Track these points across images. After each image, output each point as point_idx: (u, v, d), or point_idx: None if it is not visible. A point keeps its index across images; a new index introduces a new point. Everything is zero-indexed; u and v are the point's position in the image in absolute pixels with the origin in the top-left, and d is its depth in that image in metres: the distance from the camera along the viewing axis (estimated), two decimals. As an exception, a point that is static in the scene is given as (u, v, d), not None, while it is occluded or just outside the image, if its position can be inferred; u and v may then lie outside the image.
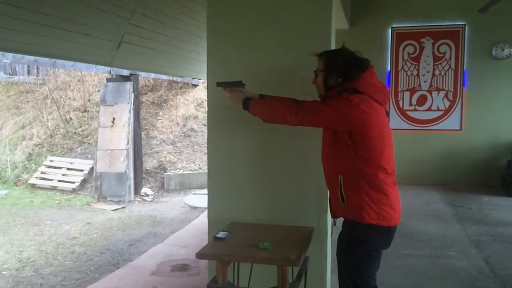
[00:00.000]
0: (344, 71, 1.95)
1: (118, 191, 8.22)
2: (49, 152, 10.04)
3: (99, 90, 10.07)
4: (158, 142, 10.03)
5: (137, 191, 8.55)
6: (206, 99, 2.67)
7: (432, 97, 6.80)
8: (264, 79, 2.43)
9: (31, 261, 5.15)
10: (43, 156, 9.93)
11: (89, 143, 10.02)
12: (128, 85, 8.61)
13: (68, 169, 9.30)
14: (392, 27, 6.88)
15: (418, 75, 6.83)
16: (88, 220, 6.89)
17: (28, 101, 11.36)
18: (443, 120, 6.79)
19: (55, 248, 5.58)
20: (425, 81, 6.82)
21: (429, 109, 6.82)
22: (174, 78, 10.33)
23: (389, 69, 6.92)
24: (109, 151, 8.49)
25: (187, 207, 7.67)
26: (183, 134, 10.31)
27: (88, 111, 10.92)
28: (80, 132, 10.42)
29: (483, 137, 6.65)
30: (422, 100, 6.84)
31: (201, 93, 11.18)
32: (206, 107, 2.69)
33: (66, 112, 10.92)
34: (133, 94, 8.64)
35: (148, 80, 11.43)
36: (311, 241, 2.14)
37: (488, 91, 6.60)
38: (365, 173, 1.91)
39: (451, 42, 6.68)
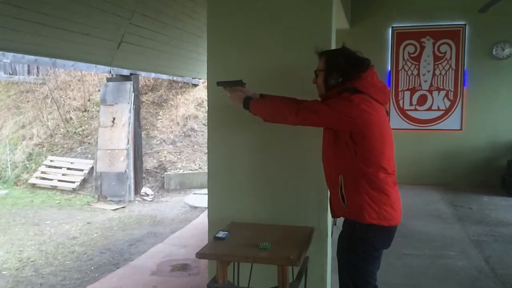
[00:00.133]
0: (344, 71, 1.95)
1: (118, 191, 8.22)
2: (49, 151, 10.04)
3: (99, 90, 10.07)
4: (158, 142, 10.04)
5: (137, 191, 8.55)
6: (206, 98, 2.67)
7: (432, 97, 6.80)
8: (264, 79, 2.43)
9: (31, 261, 5.15)
10: (43, 155, 9.94)
11: (89, 143, 10.02)
12: (128, 85, 8.61)
13: (68, 168, 9.30)
14: (392, 27, 6.87)
15: (418, 74, 6.83)
16: (88, 220, 6.89)
17: (28, 101, 11.36)
18: (444, 120, 6.78)
19: (55, 248, 5.58)
20: (425, 81, 6.82)
21: (429, 109, 6.82)
22: (174, 78, 10.33)
23: (389, 68, 6.92)
24: (109, 151, 8.49)
25: (187, 207, 7.67)
26: (183, 134, 10.32)
27: (88, 110, 10.92)
28: (80, 132, 10.42)
29: (483, 137, 6.65)
30: (422, 100, 6.83)
31: (201, 93, 11.18)
32: (206, 107, 2.69)
33: (66, 111, 10.92)
34: (133, 93, 8.64)
35: (148, 80, 11.43)
36: (311, 241, 2.13)
37: (489, 91, 6.60)
38: (365, 173, 1.91)
39: (452, 41, 6.68)
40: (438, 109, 6.79)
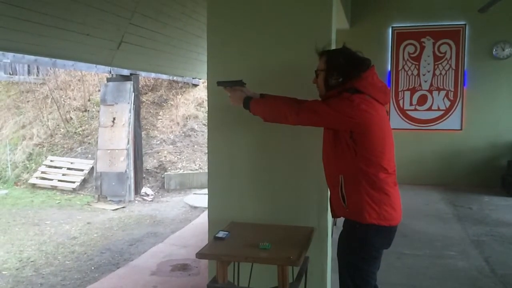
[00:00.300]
0: (345, 71, 1.94)
1: (118, 191, 8.22)
2: (50, 152, 10.05)
3: (99, 90, 10.07)
4: (158, 142, 10.04)
5: (137, 191, 8.55)
6: (207, 99, 2.67)
7: (432, 97, 6.80)
8: (264, 79, 2.43)
9: (31, 261, 5.15)
10: (44, 155, 9.94)
11: (89, 143, 10.02)
12: (129, 85, 8.61)
13: (69, 168, 9.30)
14: (392, 27, 6.87)
15: (418, 74, 6.83)
16: (88, 220, 6.89)
17: (28, 101, 11.36)
18: (444, 120, 6.78)
19: (55, 248, 5.58)
20: (425, 81, 6.82)
21: (429, 109, 6.82)
22: (174, 78, 10.33)
23: (389, 69, 6.92)
24: (109, 151, 8.49)
25: (187, 207, 7.67)
26: (183, 134, 10.32)
27: (88, 110, 10.92)
28: (80, 132, 10.42)
29: (483, 137, 6.65)
30: (422, 100, 6.83)
31: (201, 93, 11.18)
32: (207, 107, 2.69)
33: (67, 111, 10.92)
34: (133, 93, 8.64)
35: (149, 80, 11.43)
36: (311, 241, 2.13)
37: (489, 91, 6.60)
38: (365, 173, 1.91)
39: (452, 41, 6.68)
40: (438, 109, 6.79)
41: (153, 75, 9.64)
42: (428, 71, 6.80)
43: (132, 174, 8.42)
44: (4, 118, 11.05)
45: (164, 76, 9.87)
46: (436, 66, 6.76)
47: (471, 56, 6.64)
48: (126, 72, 8.43)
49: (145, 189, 8.72)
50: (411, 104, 6.88)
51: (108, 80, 8.92)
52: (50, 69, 11.24)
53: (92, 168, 9.01)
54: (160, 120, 10.65)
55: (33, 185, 9.16)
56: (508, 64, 6.52)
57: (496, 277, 3.37)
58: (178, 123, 10.53)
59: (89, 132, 10.32)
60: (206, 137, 2.76)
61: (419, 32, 6.77)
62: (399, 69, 6.90)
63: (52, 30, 4.80)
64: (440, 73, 6.76)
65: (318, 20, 2.38)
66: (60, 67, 7.98)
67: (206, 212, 3.23)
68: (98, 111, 9.52)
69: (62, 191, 8.86)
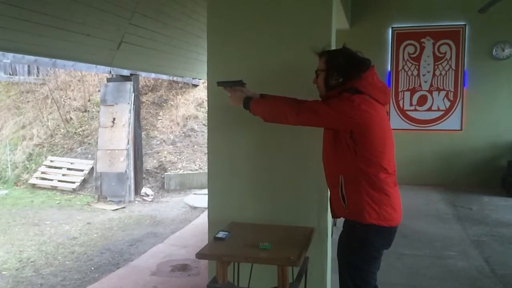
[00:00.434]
0: (345, 71, 1.94)
1: (118, 191, 8.22)
2: (49, 152, 10.04)
3: (99, 90, 10.07)
4: (158, 142, 10.04)
5: (137, 191, 8.55)
6: (206, 99, 2.67)
7: (432, 97, 6.80)
8: (264, 79, 2.43)
9: (31, 261, 5.15)
10: (43, 156, 9.94)
11: (89, 143, 10.02)
12: (129, 85, 8.61)
13: (68, 169, 9.30)
14: (392, 27, 6.87)
15: (418, 75, 6.83)
16: (88, 220, 6.89)
17: (28, 101, 11.36)
18: (444, 120, 6.78)
19: (55, 248, 5.58)
20: (425, 81, 6.82)
21: (429, 109, 6.82)
22: (174, 78, 10.33)
23: (389, 69, 6.92)
24: (109, 151, 8.49)
25: (187, 207, 7.67)
26: (183, 134, 10.32)
27: (88, 111, 10.92)
28: (80, 132, 10.42)
29: (483, 137, 6.65)
30: (422, 100, 6.83)
31: (201, 93, 11.18)
32: (206, 107, 2.69)
33: (67, 112, 10.92)
34: (133, 94, 8.64)
35: (149, 80, 11.43)
36: (311, 241, 2.13)
37: (489, 91, 6.60)
38: (366, 173, 1.91)
39: (452, 42, 6.68)
40: (438, 110, 6.79)
41: (153, 75, 9.65)
42: (428, 72, 6.80)
43: (132, 175, 8.42)
44: (4, 118, 11.05)
45: (164, 77, 9.87)
46: (436, 67, 6.76)
47: (471, 56, 6.64)
48: (126, 72, 8.43)
49: (145, 190, 8.72)
50: (411, 105, 6.88)
51: (108, 80, 8.92)
52: (50, 69, 11.25)
53: (92, 169, 9.01)
54: (160, 121, 10.65)
55: (33, 185, 9.16)
56: (508, 65, 6.52)
57: (496, 277, 3.37)
58: (178, 123, 10.53)
59: (89, 133, 10.32)
60: (206, 137, 2.76)
61: (419, 32, 6.77)
62: (399, 70, 6.90)
63: (52, 30, 4.80)
64: (440, 74, 6.76)
65: (318, 20, 2.38)
66: (60, 67, 7.98)
67: (206, 212, 3.23)
68: (98, 112, 9.53)
69: (62, 191, 8.86)
